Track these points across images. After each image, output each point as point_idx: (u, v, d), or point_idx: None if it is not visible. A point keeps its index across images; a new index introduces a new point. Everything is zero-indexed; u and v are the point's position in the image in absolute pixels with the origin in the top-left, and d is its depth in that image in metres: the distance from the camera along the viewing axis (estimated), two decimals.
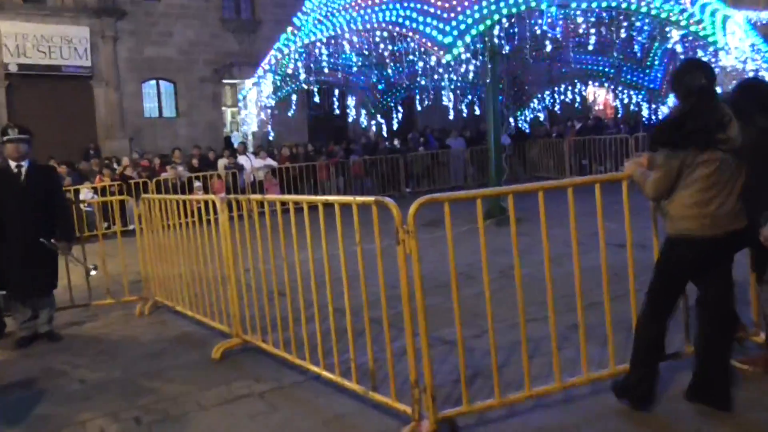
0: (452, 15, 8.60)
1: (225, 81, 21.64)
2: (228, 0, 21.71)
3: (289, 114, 13.98)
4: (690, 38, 8.92)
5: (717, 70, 9.08)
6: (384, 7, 9.20)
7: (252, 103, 12.74)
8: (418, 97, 15.47)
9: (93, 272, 6.30)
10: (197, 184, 13.90)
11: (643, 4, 8.38)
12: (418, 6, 8.88)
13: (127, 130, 19.67)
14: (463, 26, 8.40)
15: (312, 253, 3.94)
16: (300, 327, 4.25)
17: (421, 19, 8.76)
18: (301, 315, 4.22)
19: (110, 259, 7.32)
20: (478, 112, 15.84)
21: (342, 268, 3.66)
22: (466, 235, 5.49)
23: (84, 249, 6.82)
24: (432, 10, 8.77)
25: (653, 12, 8.49)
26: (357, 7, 9.59)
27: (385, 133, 17.32)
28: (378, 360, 3.69)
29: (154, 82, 20.62)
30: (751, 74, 8.78)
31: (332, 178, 16.06)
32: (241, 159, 15.48)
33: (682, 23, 8.61)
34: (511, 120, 15.17)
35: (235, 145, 17.35)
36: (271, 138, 15.07)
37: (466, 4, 8.62)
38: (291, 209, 4.22)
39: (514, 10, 8.57)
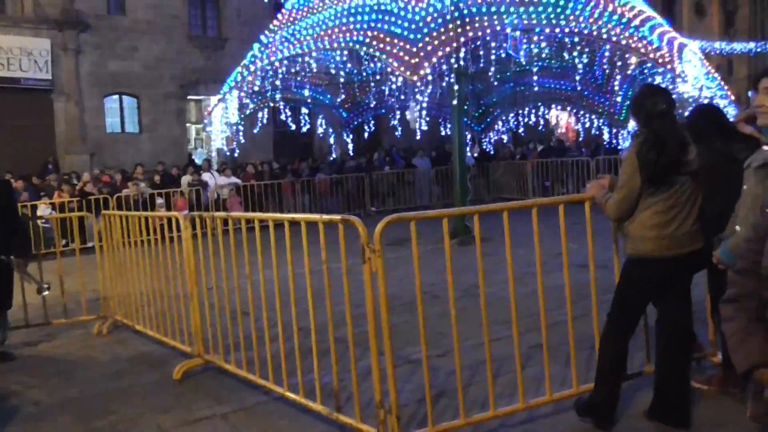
0: (419, 36, 8.71)
1: (190, 97, 21.46)
2: (195, 17, 21.61)
3: (255, 131, 13.92)
4: (649, 65, 9.19)
5: (674, 96, 9.39)
6: (352, 27, 9.27)
7: (217, 120, 12.66)
8: (384, 116, 15.57)
9: (46, 291, 6.12)
10: (159, 201, 13.69)
11: (603, 31, 8.64)
12: (386, 27, 8.98)
13: (87, 145, 19.30)
14: (429, 48, 8.51)
15: (277, 271, 3.90)
16: (263, 346, 4.20)
17: (388, 39, 8.85)
18: (264, 334, 4.17)
19: (68, 277, 7.13)
20: (443, 132, 16.00)
21: (307, 286, 3.63)
22: (431, 254, 5.51)
23: (41, 266, 6.64)
24: (399, 31, 8.87)
25: (613, 39, 8.75)
26: (325, 27, 9.65)
27: (351, 152, 17.36)
28: (343, 380, 3.66)
29: (116, 96, 20.33)
30: (706, 101, 9.09)
31: (297, 197, 16.00)
32: (205, 176, 15.31)
33: (641, 50, 8.88)
34: (476, 141, 15.37)
35: (199, 162, 17.16)
36: (236, 155, 14.96)
37: (433, 26, 8.75)
38: (256, 227, 4.18)
39: (479, 34, 8.73)
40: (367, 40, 9.02)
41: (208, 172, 15.54)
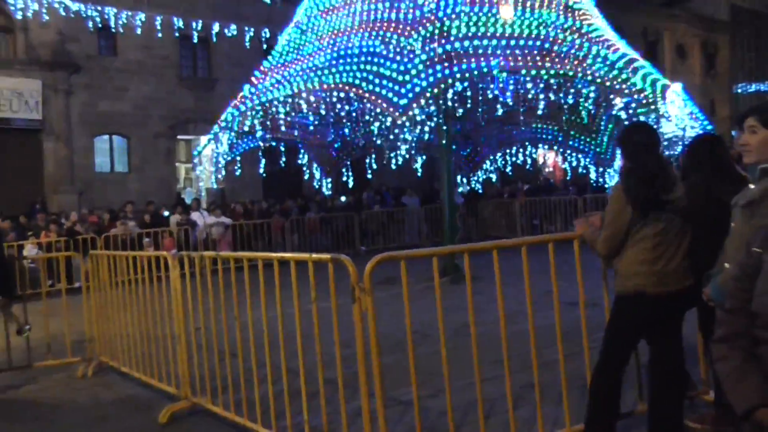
0: (407, 78, 8.84)
1: (180, 137, 21.56)
2: (185, 57, 21.87)
3: (244, 170, 13.95)
4: (633, 105, 9.35)
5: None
6: (341, 68, 9.41)
7: (207, 160, 12.68)
8: (373, 155, 15.67)
9: (26, 332, 6.02)
10: (146, 240, 13.61)
11: (588, 73, 8.81)
12: (374, 69, 9.11)
13: (76, 185, 19.26)
14: (417, 89, 8.63)
15: (266, 311, 3.87)
16: (252, 388, 4.13)
17: (377, 81, 8.97)
18: (253, 375, 4.10)
19: (54, 318, 7.03)
20: (432, 171, 16.12)
21: (297, 326, 3.60)
22: (421, 293, 5.49)
23: (26, 307, 6.54)
24: (387, 72, 9.00)
25: (598, 80, 8.92)
26: (315, 68, 9.77)
27: (340, 191, 17.41)
28: (332, 422, 3.60)
29: (106, 136, 20.38)
30: (689, 140, 9.20)
31: (287, 236, 15.96)
32: (194, 215, 15.28)
33: (625, 91, 9.05)
34: (464, 180, 15.47)
35: (188, 202, 17.15)
36: (225, 194, 14.97)
37: (421, 67, 8.89)
38: (245, 266, 4.16)
39: (467, 75, 8.87)
40: (357, 80, 9.14)
41: (197, 211, 15.51)
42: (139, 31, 17.55)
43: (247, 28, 18.44)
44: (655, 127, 9.21)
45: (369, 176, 16.23)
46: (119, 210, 15.97)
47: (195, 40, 20.12)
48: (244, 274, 4.11)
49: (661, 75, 9.99)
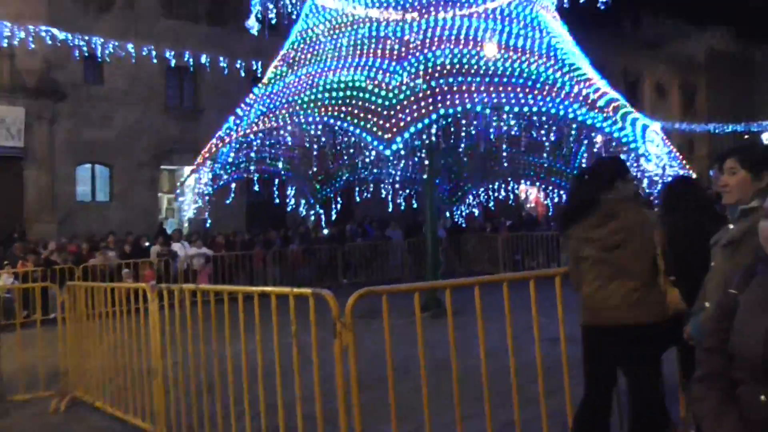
0: (392, 113, 8.93)
1: (163, 167, 21.48)
2: (171, 87, 21.91)
3: (227, 201, 13.91)
4: (613, 143, 9.51)
5: (639, 174, 9.70)
6: (327, 102, 9.49)
7: (190, 190, 12.64)
8: (357, 188, 15.72)
9: None
10: (125, 271, 13.44)
11: (570, 110, 8.97)
12: (359, 104, 9.20)
13: (57, 214, 19.05)
14: (402, 123, 8.72)
15: (245, 345, 3.82)
16: (229, 424, 4.05)
17: (362, 115, 9.06)
18: (230, 411, 4.03)
19: (28, 350, 6.87)
20: (415, 204, 16.19)
21: (276, 361, 3.55)
22: (403, 328, 5.45)
23: None
24: (372, 107, 9.09)
25: (579, 118, 9.08)
26: (300, 101, 9.85)
27: (323, 223, 17.39)
28: None
29: (89, 165, 20.26)
30: (669, 179, 9.37)
31: (269, 268, 15.85)
32: (176, 246, 15.14)
33: (606, 129, 9.21)
34: (447, 214, 15.56)
35: (170, 232, 17.02)
36: (207, 225, 14.88)
37: (405, 103, 9.00)
38: (225, 300, 4.11)
39: (450, 111, 8.99)
40: (342, 114, 9.22)
41: (178, 242, 15.38)
42: (126, 60, 17.60)
43: (234, 60, 18.56)
44: (634, 165, 9.41)
45: (353, 209, 16.26)
46: (99, 240, 15.79)
47: (182, 70, 20.22)
48: (224, 307, 4.06)
49: (642, 114, 10.19)
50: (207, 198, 12.47)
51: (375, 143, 8.80)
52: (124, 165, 20.48)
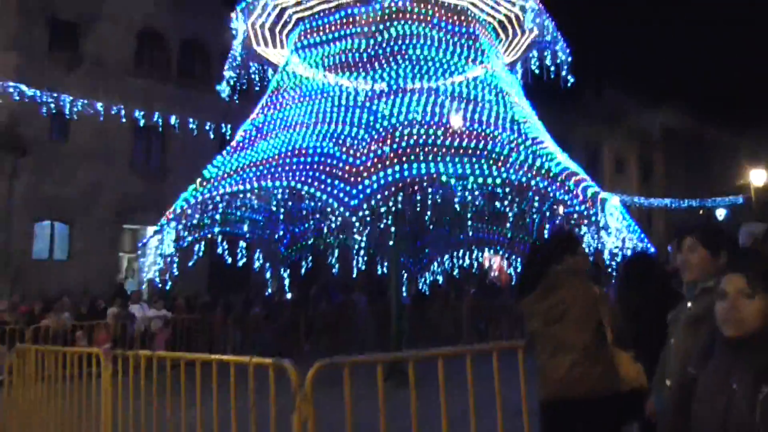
0: (358, 179, 9.03)
1: (126, 226, 21.14)
2: (139, 145, 21.79)
3: (190, 263, 13.69)
4: (575, 216, 9.73)
5: (599, 246, 9.90)
6: (294, 166, 9.56)
7: (152, 251, 12.43)
8: (322, 252, 15.68)
9: None
10: (79, 333, 13.00)
11: (533, 182, 9.19)
12: (327, 169, 9.30)
13: (10, 272, 18.45)
14: (368, 191, 8.81)
15: (201, 415, 3.69)
16: None
17: (329, 181, 9.14)
18: None
19: None
20: (380, 270, 16.17)
21: None
22: (365, 398, 5.35)
23: None
24: (339, 173, 9.19)
25: (541, 191, 9.30)
26: (268, 165, 9.91)
27: (286, 287, 17.19)
28: None
29: (48, 222, 19.83)
30: (628, 251, 9.59)
31: (229, 331, 15.49)
32: (134, 308, 14.73)
33: (567, 202, 9.45)
34: (413, 280, 15.55)
35: (129, 293, 16.60)
36: (167, 287, 14.57)
37: (372, 170, 9.12)
38: (182, 367, 4.00)
39: (416, 180, 9.13)
40: (309, 180, 9.29)
41: (137, 303, 14.99)
42: (93, 117, 17.54)
43: (203, 122, 18.66)
44: (595, 237, 9.61)
45: (317, 273, 16.16)
46: (53, 300, 15.29)
47: (150, 129, 20.19)
48: (181, 376, 3.94)
49: (600, 188, 10.49)
50: (169, 259, 12.28)
51: (341, 209, 8.85)
52: (85, 223, 20.09)
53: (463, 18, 11.42)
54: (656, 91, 37.45)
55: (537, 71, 12.19)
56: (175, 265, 12.83)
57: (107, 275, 20.22)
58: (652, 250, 10.96)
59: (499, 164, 9.35)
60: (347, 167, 9.25)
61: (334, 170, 9.27)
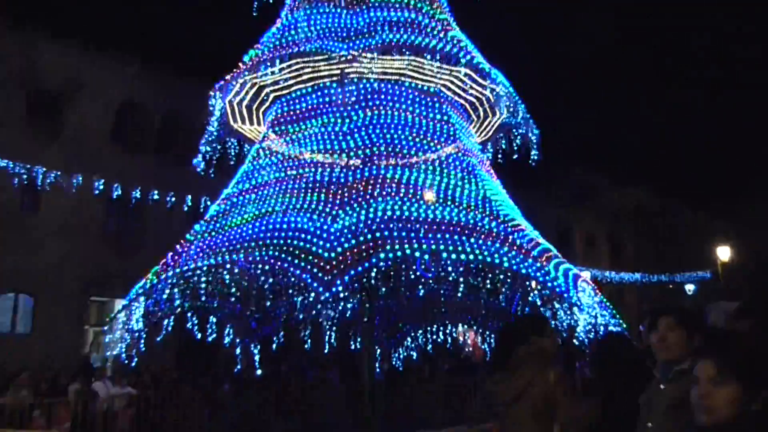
0: (333, 255, 9.03)
1: (93, 299, 20.68)
2: (111, 219, 21.59)
3: (158, 339, 13.37)
4: (547, 292, 9.79)
5: (572, 323, 9.94)
6: (268, 242, 9.56)
7: (120, 326, 12.13)
8: (294, 328, 15.43)
9: None
10: (36, 413, 12.44)
11: (505, 259, 9.27)
12: (301, 244, 9.31)
13: None
14: (342, 266, 8.81)
15: None
16: None
17: (303, 256, 9.13)
18: None
19: None
20: (353, 346, 15.93)
21: None
22: None
23: None
24: (314, 249, 9.20)
25: (514, 267, 9.39)
26: (241, 240, 9.89)
27: (257, 364, 16.79)
28: None
29: (12, 294, 19.32)
30: (601, 328, 9.64)
31: (197, 410, 14.95)
32: (97, 385, 14.21)
33: (540, 279, 9.53)
34: (386, 356, 15.32)
35: (93, 368, 16.06)
36: (134, 363, 14.15)
37: (347, 245, 9.14)
38: None
39: (390, 255, 9.16)
40: (283, 255, 9.27)
41: (100, 380, 14.47)
42: (67, 189, 17.43)
43: (178, 195, 18.63)
44: (567, 313, 9.65)
45: (289, 349, 15.88)
46: (12, 376, 14.70)
47: (124, 202, 20.08)
48: None
49: (572, 265, 10.63)
50: (137, 335, 12.00)
51: (315, 285, 8.80)
52: (51, 296, 19.60)
53: (435, 100, 11.81)
54: (626, 171, 38.59)
55: (507, 150, 12.55)
56: (142, 341, 12.54)
57: (72, 349, 19.60)
58: (624, 325, 11.03)
59: (472, 240, 9.44)
60: (321, 242, 9.27)
61: (307, 245, 9.27)
